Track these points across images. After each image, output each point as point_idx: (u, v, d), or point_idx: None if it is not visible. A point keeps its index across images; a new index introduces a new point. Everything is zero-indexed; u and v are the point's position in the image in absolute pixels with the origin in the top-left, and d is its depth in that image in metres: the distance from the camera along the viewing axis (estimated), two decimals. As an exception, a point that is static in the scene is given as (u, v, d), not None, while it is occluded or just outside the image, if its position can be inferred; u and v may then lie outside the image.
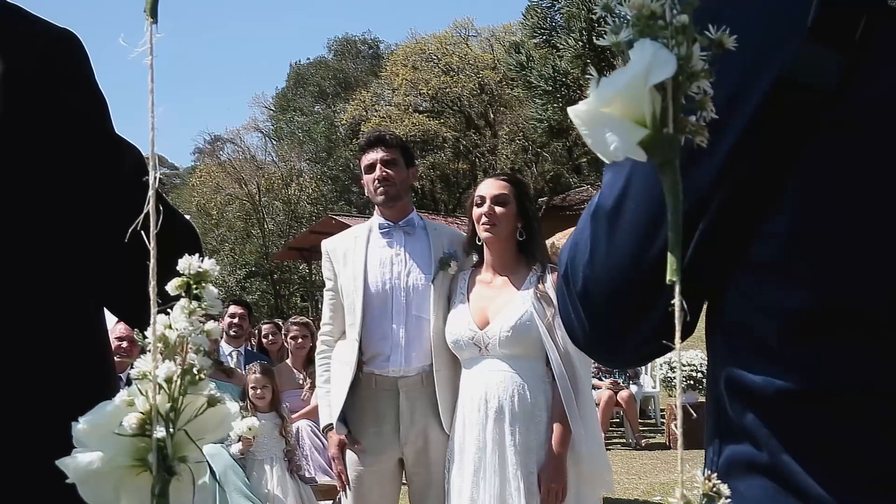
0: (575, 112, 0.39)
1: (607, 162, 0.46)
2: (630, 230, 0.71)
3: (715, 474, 0.40)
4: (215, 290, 0.40)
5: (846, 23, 0.61)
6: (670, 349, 0.78)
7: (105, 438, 0.40)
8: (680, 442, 0.36)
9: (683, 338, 0.77)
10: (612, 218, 0.72)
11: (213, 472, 3.82)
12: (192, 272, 0.39)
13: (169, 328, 0.39)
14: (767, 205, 0.65)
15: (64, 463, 0.41)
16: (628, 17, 0.39)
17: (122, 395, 0.41)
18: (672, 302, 0.71)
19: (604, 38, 0.40)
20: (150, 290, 0.35)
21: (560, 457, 2.58)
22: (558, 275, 0.81)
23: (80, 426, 0.41)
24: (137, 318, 1.16)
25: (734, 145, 0.65)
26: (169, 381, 0.39)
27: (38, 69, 0.98)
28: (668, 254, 0.40)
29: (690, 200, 0.65)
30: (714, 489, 0.39)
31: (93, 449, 0.40)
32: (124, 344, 4.25)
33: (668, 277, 0.40)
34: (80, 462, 0.40)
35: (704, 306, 0.75)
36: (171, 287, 0.41)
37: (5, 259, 0.94)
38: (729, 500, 0.39)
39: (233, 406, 0.43)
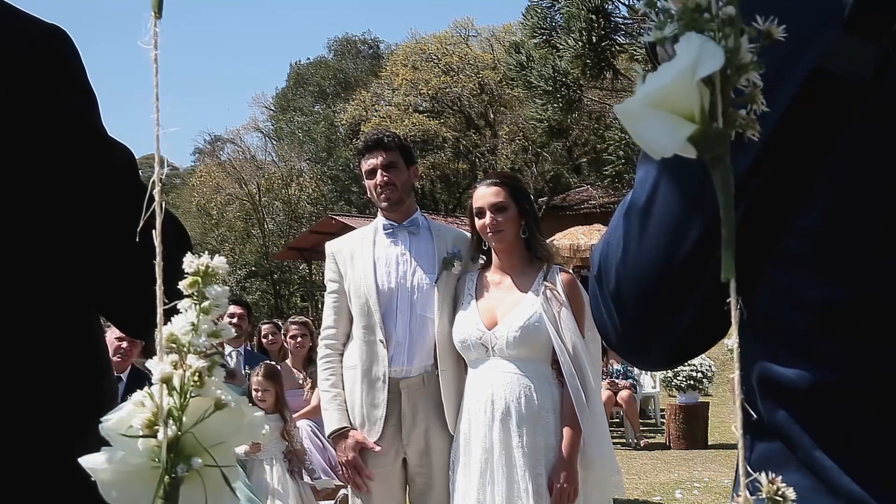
0: (621, 109, 0.39)
1: (656, 159, 0.45)
2: (662, 225, 0.70)
3: (780, 477, 0.37)
4: (224, 289, 0.39)
5: (883, 13, 0.60)
6: (706, 349, 0.77)
7: (121, 438, 0.40)
8: (741, 444, 0.34)
9: (716, 338, 0.76)
10: (643, 214, 0.71)
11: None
12: (201, 270, 0.38)
13: (192, 327, 0.38)
14: (797, 197, 0.64)
15: (84, 461, 0.41)
16: (672, 13, 0.38)
17: (137, 396, 0.40)
18: (707, 299, 0.70)
19: (649, 34, 0.39)
20: (157, 289, 0.35)
21: (571, 458, 2.57)
22: (590, 275, 0.80)
23: (103, 424, 0.41)
24: (133, 324, 1.14)
25: (768, 137, 0.64)
26: (167, 381, 0.38)
27: (27, 67, 0.95)
28: (723, 251, 0.40)
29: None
30: (778, 493, 0.36)
31: (114, 447, 0.40)
32: (124, 344, 4.24)
33: (723, 275, 0.39)
34: (98, 460, 0.40)
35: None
36: (184, 286, 0.41)
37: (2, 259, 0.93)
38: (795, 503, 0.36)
39: (257, 412, 0.43)
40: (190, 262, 0.39)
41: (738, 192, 0.66)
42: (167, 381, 0.37)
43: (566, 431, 2.58)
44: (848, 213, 0.63)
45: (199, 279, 0.38)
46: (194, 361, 0.37)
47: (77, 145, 0.97)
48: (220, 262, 0.39)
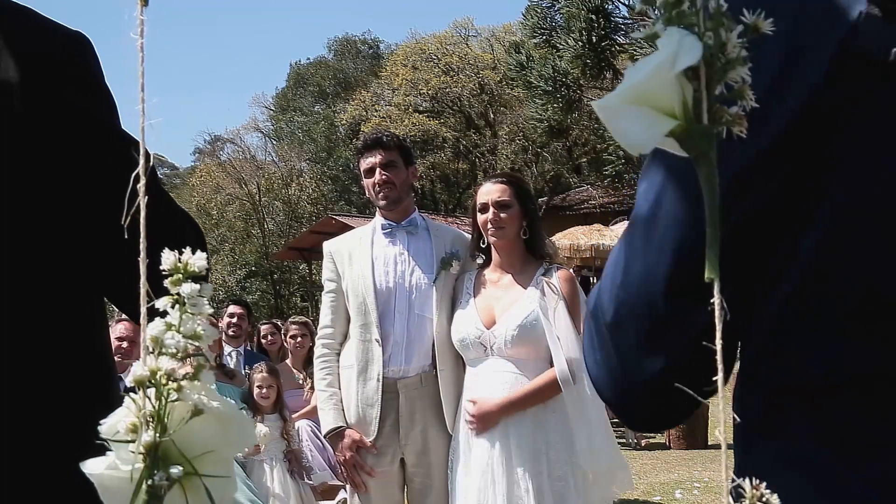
0: (598, 105, 0.37)
1: (635, 155, 0.44)
2: (665, 235, 0.67)
3: (764, 483, 0.36)
4: (207, 286, 0.38)
5: None
6: (710, 395, 0.71)
7: (114, 442, 0.39)
8: (724, 448, 0.33)
9: (727, 371, 0.72)
10: (647, 226, 0.68)
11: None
12: (181, 268, 0.37)
13: (171, 328, 0.37)
14: (808, 192, 0.63)
15: (84, 465, 0.40)
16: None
17: (128, 399, 0.39)
18: (711, 305, 0.68)
19: (639, 31, 0.38)
20: (141, 288, 0.33)
21: (510, 401, 2.57)
22: (586, 313, 0.76)
23: (100, 428, 0.40)
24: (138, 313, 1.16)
25: (779, 130, 0.62)
26: (141, 383, 0.37)
27: (51, 71, 0.99)
28: (707, 249, 0.38)
29: (723, 190, 0.62)
30: (762, 498, 0.35)
31: (112, 452, 0.39)
32: (124, 344, 4.24)
33: (706, 275, 0.38)
34: (97, 465, 0.39)
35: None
36: (169, 284, 0.39)
37: (15, 259, 0.95)
38: None
39: (251, 421, 0.41)
40: (167, 258, 0.38)
41: (741, 190, 0.65)
42: (141, 383, 0.35)
43: (534, 381, 2.57)
44: (851, 212, 0.62)
45: (181, 277, 0.37)
46: (172, 363, 0.36)
47: (97, 146, 1.01)
48: (199, 257, 0.38)
